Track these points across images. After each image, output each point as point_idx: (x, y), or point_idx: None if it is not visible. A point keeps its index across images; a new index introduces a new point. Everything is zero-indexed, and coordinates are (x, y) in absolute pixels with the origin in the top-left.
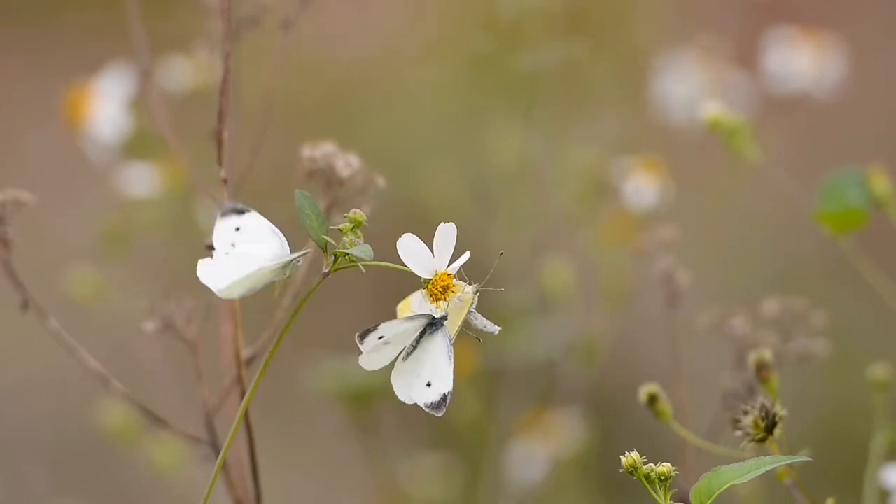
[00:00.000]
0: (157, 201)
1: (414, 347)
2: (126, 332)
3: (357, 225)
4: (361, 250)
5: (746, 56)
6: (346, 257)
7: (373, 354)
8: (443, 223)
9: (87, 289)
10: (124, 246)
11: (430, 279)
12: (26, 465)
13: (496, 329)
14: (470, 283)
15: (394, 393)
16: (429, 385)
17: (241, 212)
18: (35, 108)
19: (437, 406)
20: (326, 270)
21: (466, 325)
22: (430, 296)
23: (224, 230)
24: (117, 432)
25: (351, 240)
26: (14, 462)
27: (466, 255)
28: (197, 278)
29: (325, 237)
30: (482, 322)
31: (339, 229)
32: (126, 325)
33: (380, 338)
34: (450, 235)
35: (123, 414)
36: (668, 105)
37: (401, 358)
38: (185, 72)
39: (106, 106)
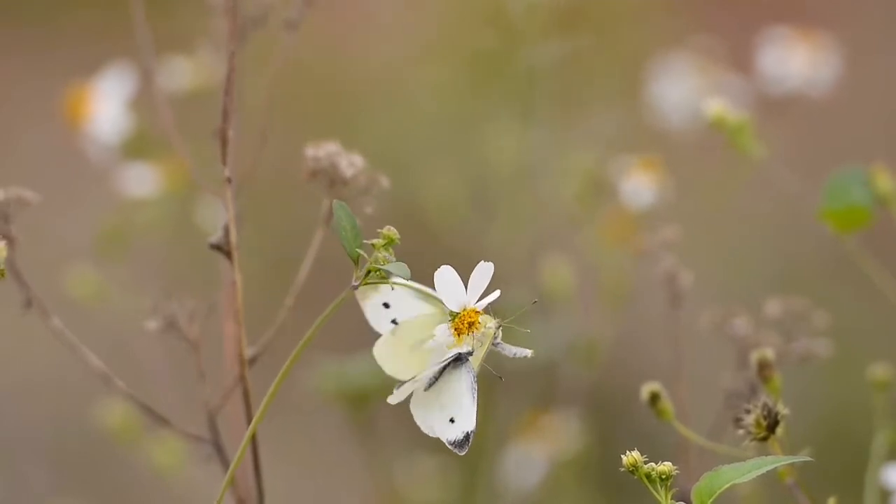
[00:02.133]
0: (157, 201)
1: (436, 379)
2: (126, 333)
3: (390, 242)
4: (397, 268)
5: (747, 56)
6: (379, 273)
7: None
8: (482, 262)
9: (88, 289)
10: (124, 246)
11: (458, 313)
12: (26, 465)
13: (528, 353)
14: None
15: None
16: (452, 421)
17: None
18: (35, 108)
19: (459, 444)
20: (356, 283)
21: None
22: (455, 329)
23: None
24: (118, 432)
25: (384, 256)
26: (14, 462)
27: (496, 294)
28: (197, 277)
29: (358, 250)
30: (511, 350)
31: (371, 244)
32: (126, 325)
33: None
34: (487, 274)
35: (124, 413)
36: (664, 107)
37: (422, 388)
38: (187, 71)
39: (106, 106)
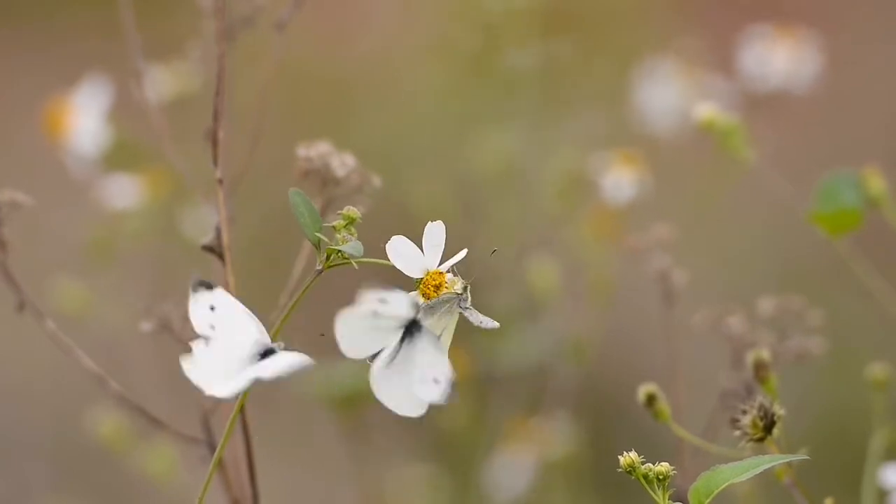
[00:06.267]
0: (142, 211)
1: (397, 352)
2: (122, 335)
3: (350, 222)
4: (352, 247)
5: (739, 56)
6: (339, 254)
7: (359, 333)
8: (430, 222)
9: (76, 301)
10: (113, 253)
11: (422, 278)
12: (26, 465)
13: (495, 324)
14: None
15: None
16: (436, 381)
17: (209, 286)
18: (34, 107)
19: (451, 393)
20: (319, 268)
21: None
22: (423, 295)
23: (200, 310)
24: (112, 440)
25: (343, 237)
26: (14, 462)
27: (462, 253)
28: (187, 283)
29: (318, 234)
30: (478, 318)
31: (333, 226)
32: (122, 327)
33: (381, 300)
34: (438, 234)
35: (117, 422)
36: (650, 111)
37: (382, 363)
38: (179, 73)
39: (84, 119)
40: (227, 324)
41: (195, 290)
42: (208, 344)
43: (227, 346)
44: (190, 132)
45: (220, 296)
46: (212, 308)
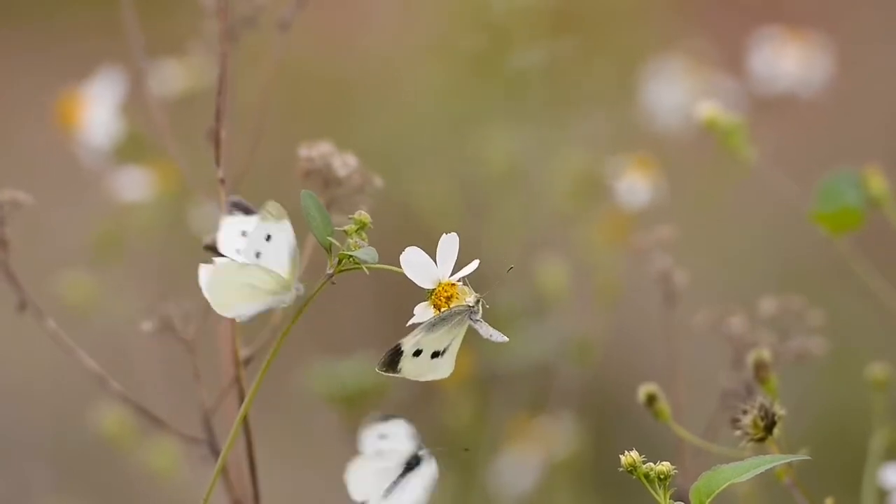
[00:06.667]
0: (151, 205)
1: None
2: (123, 335)
3: (362, 227)
4: (366, 253)
5: (743, 56)
6: (350, 259)
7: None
8: (445, 233)
9: (80, 295)
10: (119, 250)
11: (434, 289)
12: (26, 465)
13: (503, 338)
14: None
15: (386, 396)
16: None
17: (388, 419)
18: (34, 106)
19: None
20: (330, 272)
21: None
22: (434, 306)
23: (372, 438)
24: (114, 437)
25: (356, 241)
26: (14, 462)
27: (475, 264)
28: (192, 280)
29: (329, 238)
30: (488, 331)
31: (344, 231)
32: (123, 327)
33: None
34: (452, 245)
35: (120, 418)
36: (657, 110)
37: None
38: (180, 73)
39: (97, 110)
40: (391, 450)
41: (372, 423)
42: (371, 460)
43: (387, 466)
44: (192, 130)
45: (395, 427)
46: (381, 436)
